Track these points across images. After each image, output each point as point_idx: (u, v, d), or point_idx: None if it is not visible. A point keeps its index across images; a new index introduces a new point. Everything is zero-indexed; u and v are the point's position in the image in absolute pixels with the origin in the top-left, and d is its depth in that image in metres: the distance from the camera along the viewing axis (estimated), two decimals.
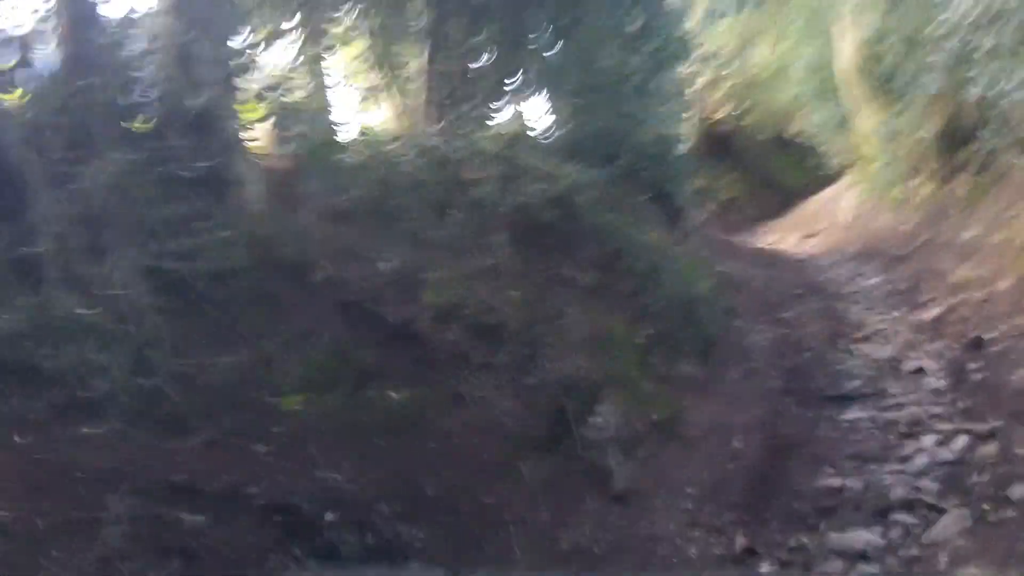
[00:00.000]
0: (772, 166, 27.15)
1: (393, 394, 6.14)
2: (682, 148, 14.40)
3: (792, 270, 13.94)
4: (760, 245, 18.41)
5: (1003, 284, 9.97)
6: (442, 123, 8.71)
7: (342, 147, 8.42)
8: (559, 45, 9.12)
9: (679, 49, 11.90)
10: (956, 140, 15.09)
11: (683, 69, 15.50)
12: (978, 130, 13.88)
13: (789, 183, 26.91)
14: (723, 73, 25.41)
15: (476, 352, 6.77)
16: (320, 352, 6.08)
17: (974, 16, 9.50)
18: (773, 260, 15.04)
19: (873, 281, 12.72)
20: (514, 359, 6.81)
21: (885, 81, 16.87)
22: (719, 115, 25.47)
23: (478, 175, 7.90)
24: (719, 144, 25.61)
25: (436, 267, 7.06)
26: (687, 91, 24.46)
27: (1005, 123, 12.51)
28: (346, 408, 5.65)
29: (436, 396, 6.38)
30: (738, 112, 25.91)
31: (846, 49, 18.28)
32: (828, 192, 21.08)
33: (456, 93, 8.58)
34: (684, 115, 15.95)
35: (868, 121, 18.03)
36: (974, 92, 10.41)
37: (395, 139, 9.24)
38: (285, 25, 8.10)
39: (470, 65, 8.77)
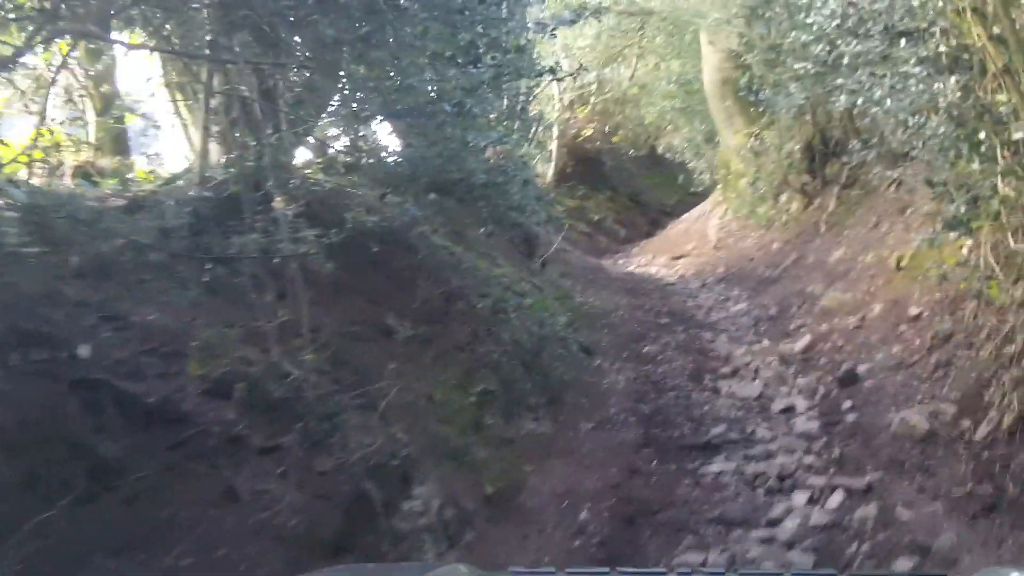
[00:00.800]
0: (642, 185, 26.50)
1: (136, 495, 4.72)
2: (532, 171, 13.26)
3: (659, 296, 12.97)
4: (629, 268, 17.46)
5: (876, 308, 9.12)
6: (233, 154, 7.26)
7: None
8: (376, 61, 7.81)
9: (524, 65, 10.70)
10: (824, 154, 14.43)
11: (535, 86, 14.38)
12: (846, 143, 13.19)
13: (660, 202, 26.31)
14: (589, 89, 24.56)
15: (256, 433, 5.39)
16: (39, 450, 4.62)
17: (837, 23, 8.62)
18: (640, 285, 14.07)
19: (741, 307, 11.82)
20: (307, 439, 5.46)
21: (750, 95, 16.17)
22: (587, 133, 24.58)
23: (272, 210, 6.50)
24: (587, 163, 24.73)
25: (208, 328, 5.67)
26: (544, 109, 23.71)
27: (873, 135, 11.79)
28: (71, 519, 4.23)
29: (197, 492, 4.98)
30: (606, 130, 25.12)
31: (710, 62, 17.57)
32: (698, 210, 20.36)
33: (252, 119, 7.13)
34: (537, 135, 14.76)
35: (735, 137, 17.33)
36: (841, 103, 9.58)
37: (168, 179, 7.84)
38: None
39: (271, 86, 7.31)
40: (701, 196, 22.17)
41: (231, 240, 5.92)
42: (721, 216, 17.85)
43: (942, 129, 7.39)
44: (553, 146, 23.16)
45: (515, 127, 11.14)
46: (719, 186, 18.85)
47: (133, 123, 10.09)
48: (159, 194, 7.13)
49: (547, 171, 23.17)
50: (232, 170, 6.99)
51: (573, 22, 13.87)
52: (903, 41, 7.73)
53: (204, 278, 5.83)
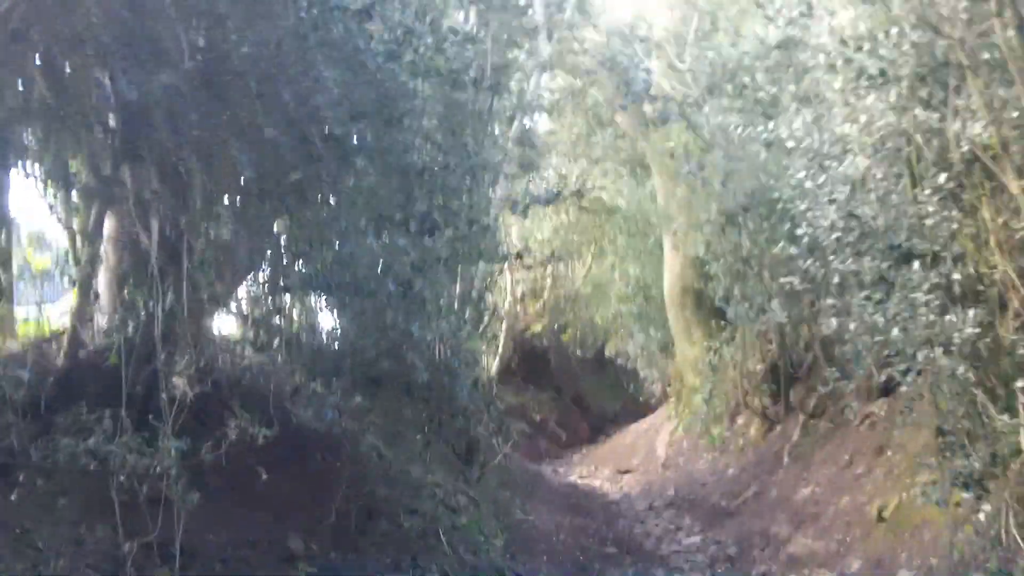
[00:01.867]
0: (587, 388, 25.43)
1: None
2: (481, 370, 12.08)
3: (604, 517, 11.61)
4: (571, 478, 16.10)
5: (855, 565, 7.88)
6: (117, 316, 5.93)
7: None
8: (310, 220, 6.67)
9: (486, 246, 9.70)
10: (789, 377, 13.45)
11: (493, 272, 13.37)
12: (818, 369, 12.23)
13: (606, 407, 25.19)
14: (543, 283, 23.82)
15: None
16: None
17: (837, 236, 7.78)
18: (584, 502, 12.72)
19: (695, 540, 10.50)
20: None
21: (713, 306, 15.36)
22: (535, 328, 23.65)
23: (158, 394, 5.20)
24: (533, 360, 23.69)
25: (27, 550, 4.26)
26: (492, 301, 22.85)
27: (852, 363, 10.84)
28: None
29: None
30: (555, 327, 24.24)
31: (672, 269, 16.83)
32: (647, 422, 19.22)
33: (147, 276, 5.84)
34: (488, 328, 13.66)
35: (692, 348, 16.40)
36: (831, 326, 8.66)
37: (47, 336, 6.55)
38: None
39: (175, 237, 6.02)
40: (649, 406, 21.14)
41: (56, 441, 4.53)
42: (671, 432, 16.69)
43: (960, 369, 6.37)
44: (500, 339, 22.10)
45: (466, 317, 10.00)
46: (671, 399, 17.77)
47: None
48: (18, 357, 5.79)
49: (492, 364, 22.01)
50: (114, 337, 5.68)
51: (549, 202, 12.94)
52: (915, 264, 6.80)
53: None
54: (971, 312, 6.30)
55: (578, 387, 25.24)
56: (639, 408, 22.01)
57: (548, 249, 24.09)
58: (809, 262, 8.73)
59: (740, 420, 14.56)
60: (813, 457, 11.04)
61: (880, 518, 8.18)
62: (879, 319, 7.26)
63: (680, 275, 16.62)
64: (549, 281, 23.58)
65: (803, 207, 8.14)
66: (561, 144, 19.70)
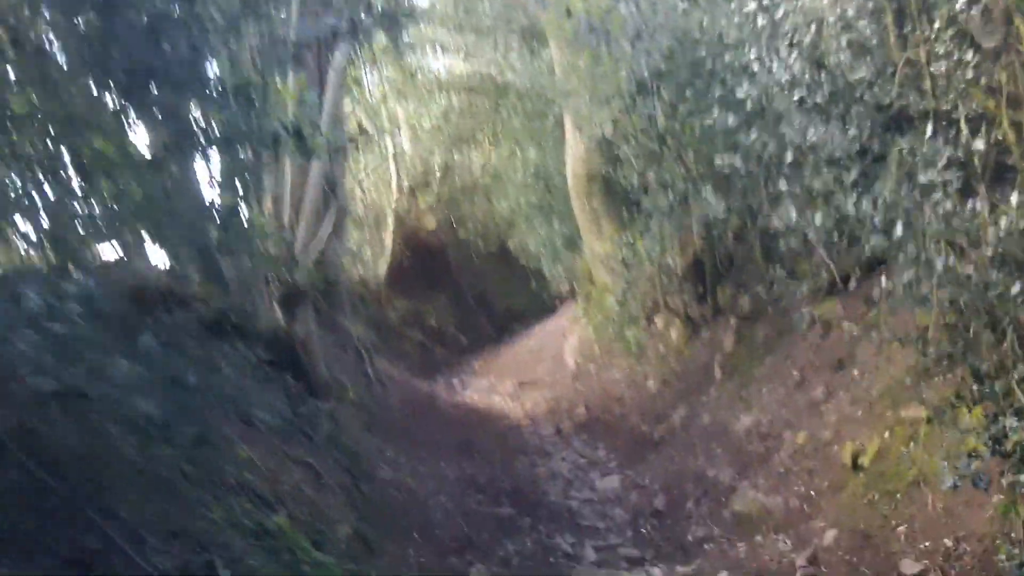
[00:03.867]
0: (491, 285, 23.33)
1: None
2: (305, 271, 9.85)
3: (502, 455, 9.58)
4: (467, 396, 14.07)
5: (829, 536, 5.95)
6: None
7: None
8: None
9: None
10: (716, 275, 11.50)
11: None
12: (753, 264, 10.27)
13: (510, 306, 23.18)
14: (435, 175, 21.44)
15: None
16: None
17: (800, 97, 5.70)
18: (478, 434, 10.66)
19: (613, 483, 8.58)
20: None
21: (625, 194, 13.26)
22: (429, 224, 21.33)
23: None
24: (429, 258, 21.44)
25: None
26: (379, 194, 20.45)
27: (801, 260, 8.89)
28: None
29: None
30: (451, 223, 21.97)
31: (576, 153, 14.59)
32: (553, 323, 17.28)
33: None
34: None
35: (601, 243, 14.31)
36: (770, 218, 6.65)
37: None
38: None
39: None
40: (558, 301, 19.17)
41: None
42: (581, 335, 14.70)
43: (994, 277, 4.34)
44: (388, 237, 19.80)
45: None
46: (579, 300, 15.74)
47: None
48: None
49: (380, 266, 19.76)
50: None
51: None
52: (928, 128, 4.69)
53: None
54: (1015, 196, 4.23)
55: (480, 285, 23.15)
56: (548, 307, 20.05)
57: (440, 138, 21.75)
58: (754, 135, 6.60)
59: (659, 322, 12.62)
60: (752, 372, 9.12)
61: (856, 466, 6.25)
62: (864, 207, 5.18)
63: (585, 160, 14.41)
64: (439, 173, 21.18)
65: (750, 57, 5.92)
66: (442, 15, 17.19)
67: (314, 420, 7.06)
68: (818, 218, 6.09)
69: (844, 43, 5.63)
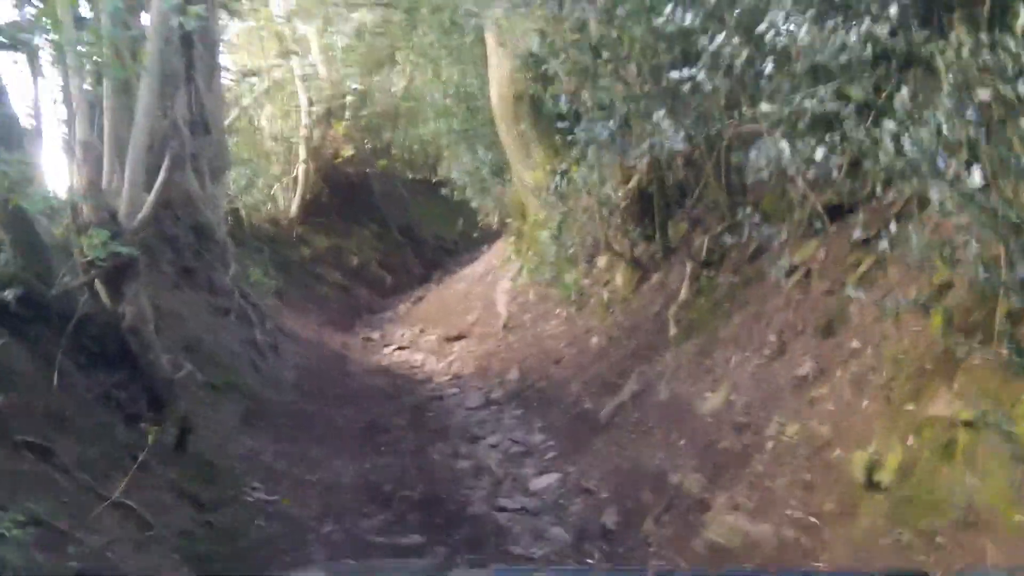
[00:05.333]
0: (421, 216, 21.57)
1: None
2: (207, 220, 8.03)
3: (415, 441, 7.86)
4: (386, 354, 12.33)
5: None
6: None
7: None
8: None
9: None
10: (665, 207, 9.82)
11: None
12: (719, 199, 8.61)
13: (439, 237, 21.52)
14: (349, 100, 19.41)
15: None
16: None
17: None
18: (391, 407, 8.96)
19: (551, 480, 6.94)
20: None
21: (557, 116, 11.50)
22: (347, 153, 19.34)
23: None
24: (349, 191, 19.57)
25: None
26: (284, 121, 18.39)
27: (771, 193, 7.25)
28: None
29: None
30: (373, 152, 20.03)
31: (500, 72, 12.74)
32: (483, 263, 15.55)
33: None
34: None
35: (532, 173, 12.56)
36: (747, 153, 4.98)
37: None
38: None
39: None
40: (489, 238, 17.42)
41: None
42: (513, 278, 13.00)
43: None
44: (299, 169, 17.82)
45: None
46: (511, 237, 14.00)
47: None
48: None
49: (291, 202, 17.81)
50: None
51: None
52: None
53: None
54: None
55: (406, 217, 21.40)
56: (478, 241, 18.32)
57: (355, 59, 19.72)
58: (720, 38, 4.84)
59: (600, 264, 10.99)
60: (715, 332, 7.49)
61: (871, 484, 4.65)
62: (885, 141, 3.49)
63: (509, 79, 12.61)
64: (350, 98, 19.17)
65: None
66: None
67: (144, 435, 5.29)
68: (818, 153, 4.41)
69: None
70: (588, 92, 9.23)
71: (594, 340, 9.71)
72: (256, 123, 17.73)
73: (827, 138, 4.45)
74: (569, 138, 10.66)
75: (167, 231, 7.78)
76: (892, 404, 4.97)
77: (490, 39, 12.60)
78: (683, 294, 8.61)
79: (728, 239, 8.19)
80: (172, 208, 7.94)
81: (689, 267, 8.75)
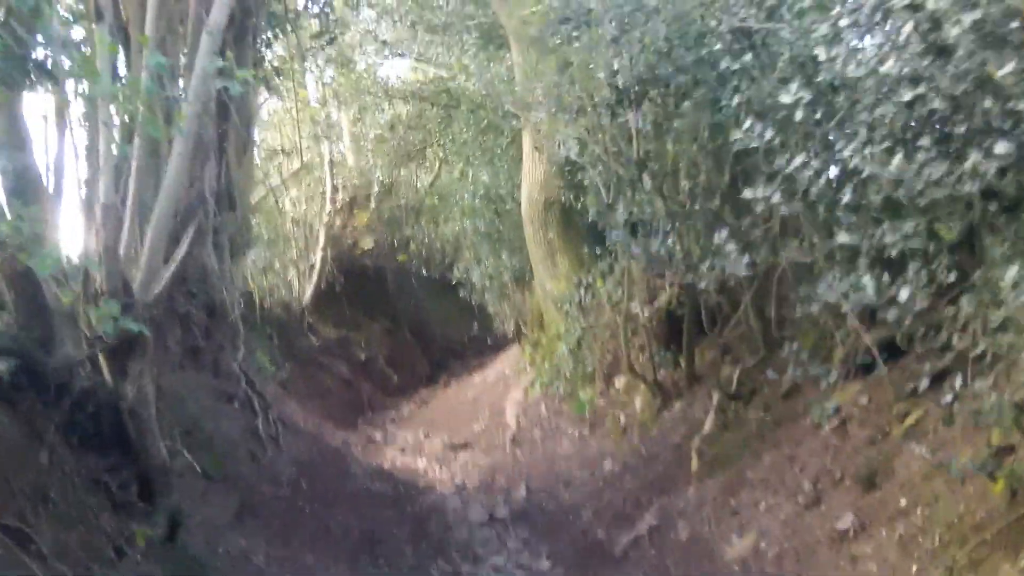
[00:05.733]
0: (434, 315, 21.22)
1: None
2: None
3: (415, 558, 7.32)
4: (388, 455, 11.85)
5: None
6: None
7: None
8: None
9: None
10: (695, 332, 9.47)
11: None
12: (754, 329, 8.27)
13: (450, 338, 21.10)
14: (373, 193, 19.27)
15: None
16: None
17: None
18: (390, 514, 8.45)
19: None
20: None
21: (586, 226, 11.29)
22: (365, 245, 19.12)
23: None
24: (363, 282, 19.23)
25: None
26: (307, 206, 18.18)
27: (816, 330, 6.90)
28: None
29: None
30: (391, 245, 19.81)
31: (533, 176, 12.55)
32: (495, 371, 15.11)
33: None
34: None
35: (554, 282, 12.27)
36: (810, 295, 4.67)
37: None
38: None
39: None
40: (502, 344, 17.04)
41: None
42: (525, 390, 12.58)
43: None
44: (317, 256, 17.58)
45: None
46: (526, 347, 13.62)
47: None
48: None
49: (305, 288, 17.51)
50: None
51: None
52: None
53: None
54: None
55: (419, 315, 21.04)
56: (492, 344, 17.94)
57: (384, 149, 19.67)
58: (799, 160, 4.56)
59: (619, 384, 10.59)
60: (743, 471, 7.05)
61: None
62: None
63: (543, 184, 12.40)
64: (376, 188, 19.02)
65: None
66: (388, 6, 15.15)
67: (131, 525, 4.86)
68: (903, 293, 4.07)
69: None
70: (624, 206, 8.99)
71: (608, 465, 9.26)
72: (280, 205, 17.53)
73: (911, 276, 4.11)
74: (598, 250, 10.45)
75: (178, 307, 7.42)
76: (948, 573, 4.53)
77: (526, 142, 12.44)
78: (708, 426, 8.21)
79: (760, 372, 7.86)
80: (187, 283, 7.61)
81: (716, 398, 8.36)
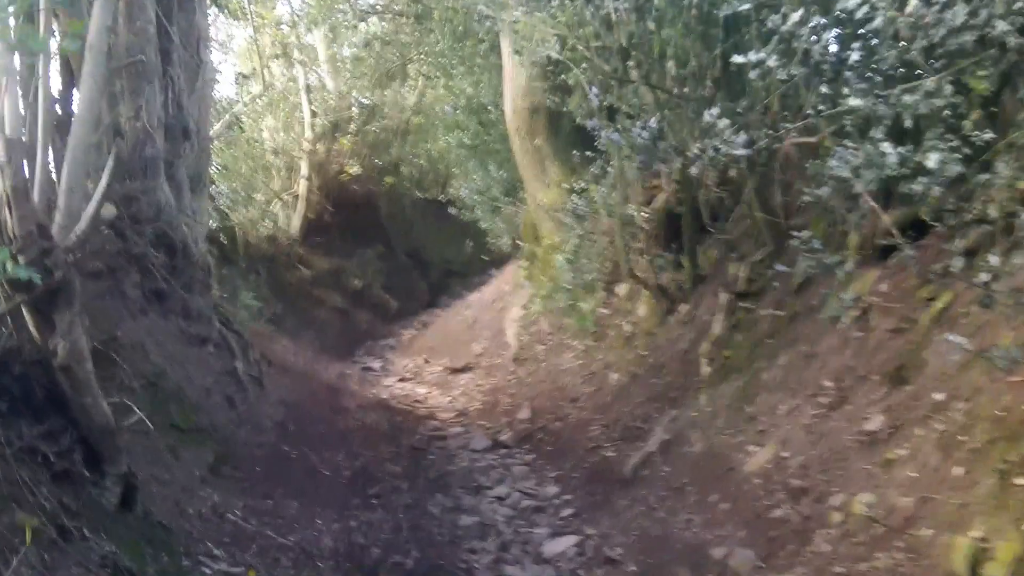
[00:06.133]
0: (429, 237, 20.67)
1: None
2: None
3: (413, 495, 6.80)
4: (383, 389, 11.32)
5: None
6: None
7: None
8: None
9: None
10: (696, 231, 8.84)
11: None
12: (756, 220, 7.65)
13: (447, 259, 20.59)
14: (355, 113, 18.50)
15: None
16: None
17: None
18: (387, 449, 7.94)
19: (567, 550, 5.86)
20: None
21: (575, 130, 10.61)
22: (352, 170, 18.43)
23: None
24: (354, 209, 18.58)
25: None
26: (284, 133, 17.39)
27: (827, 214, 6.28)
28: None
29: None
30: (377, 169, 19.13)
31: (515, 82, 11.81)
32: (493, 289, 14.57)
33: None
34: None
35: (547, 191, 11.62)
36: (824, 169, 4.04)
37: None
38: None
39: None
40: (501, 259, 16.47)
41: None
42: (525, 306, 12.01)
43: None
44: (301, 186, 16.90)
45: None
46: (523, 261, 13.02)
47: None
48: None
49: (292, 220, 16.87)
50: None
51: None
52: None
53: None
54: None
55: (414, 239, 20.50)
56: (489, 261, 17.37)
57: (363, 70, 18.88)
58: (795, 16, 3.89)
59: (621, 292, 10.02)
60: (759, 374, 6.50)
61: None
62: None
63: (526, 89, 11.68)
64: (356, 111, 18.25)
65: None
66: None
67: (78, 498, 4.32)
68: (931, 159, 3.44)
69: None
70: (615, 98, 8.34)
71: (614, 377, 8.73)
72: (251, 133, 16.76)
73: (940, 142, 3.47)
74: (588, 154, 9.77)
75: (133, 249, 6.80)
76: (997, 476, 3.97)
77: (505, 47, 11.68)
78: (717, 329, 7.64)
79: (768, 267, 7.27)
80: (140, 223, 6.98)
81: (723, 298, 7.77)
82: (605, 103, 8.41)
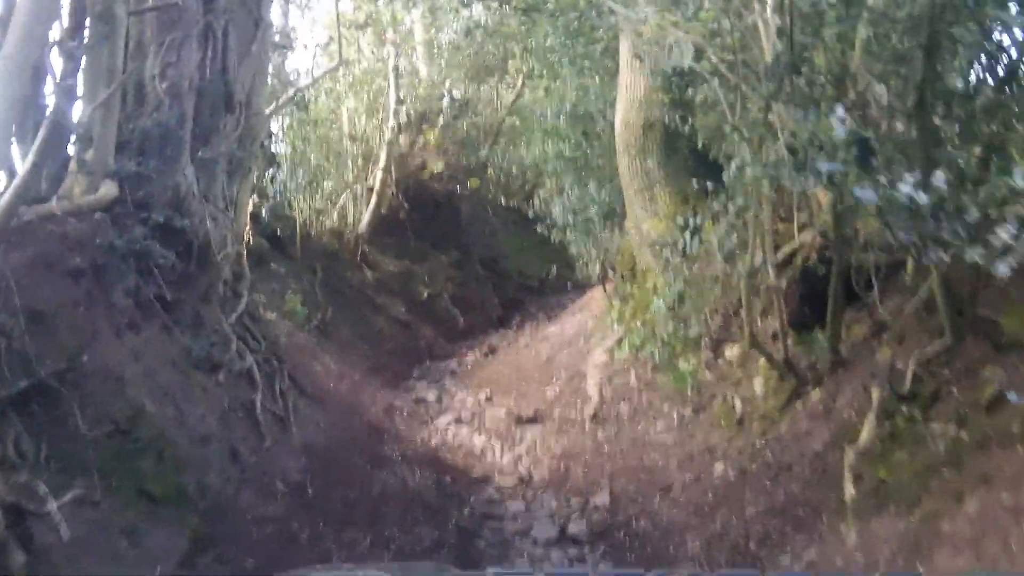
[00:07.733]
0: (509, 247, 19.06)
1: None
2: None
3: None
4: (435, 430, 9.68)
5: None
6: None
7: None
8: None
9: None
10: (845, 299, 7.02)
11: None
12: (941, 300, 5.85)
13: (526, 273, 18.92)
14: (443, 106, 16.97)
15: None
16: None
17: None
18: (427, 528, 6.31)
19: None
20: None
21: (693, 154, 9.01)
22: (435, 167, 16.86)
23: None
24: (431, 209, 17.00)
25: None
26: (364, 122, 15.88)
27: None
28: None
29: None
30: (462, 169, 17.56)
31: (634, 89, 10.16)
32: (575, 322, 12.83)
33: None
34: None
35: (652, 221, 9.92)
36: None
37: None
38: None
39: None
40: (584, 284, 14.70)
41: None
42: (610, 351, 10.28)
43: None
44: (376, 178, 15.39)
45: None
46: (614, 300, 11.28)
47: None
48: None
49: (362, 215, 15.36)
50: None
51: None
52: None
53: None
54: None
55: (493, 248, 18.88)
56: (571, 287, 15.62)
57: (458, 62, 17.39)
58: None
59: (731, 355, 8.27)
60: (937, 518, 4.72)
61: None
62: None
63: (643, 101, 10.04)
64: (446, 102, 16.71)
65: None
66: None
67: None
68: None
69: None
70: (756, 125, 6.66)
71: (719, 468, 7.00)
72: (329, 115, 15.31)
73: None
74: (709, 185, 8.04)
75: (131, 243, 5.26)
76: None
77: (624, 50, 10.05)
78: (866, 435, 5.84)
79: (945, 365, 5.49)
80: (148, 210, 5.44)
81: (877, 395, 5.97)
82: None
